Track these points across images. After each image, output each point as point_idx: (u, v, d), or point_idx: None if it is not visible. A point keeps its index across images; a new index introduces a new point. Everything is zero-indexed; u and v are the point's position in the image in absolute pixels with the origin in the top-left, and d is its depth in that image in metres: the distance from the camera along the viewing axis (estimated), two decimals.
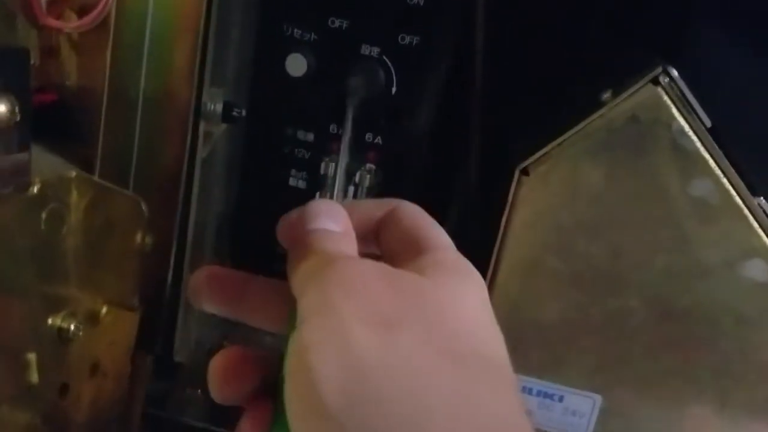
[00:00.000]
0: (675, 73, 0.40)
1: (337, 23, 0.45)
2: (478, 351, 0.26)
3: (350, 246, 0.29)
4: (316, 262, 0.27)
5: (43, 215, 0.31)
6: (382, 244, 0.31)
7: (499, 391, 0.25)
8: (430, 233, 0.30)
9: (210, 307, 0.33)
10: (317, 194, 0.48)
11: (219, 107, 0.39)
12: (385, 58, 0.45)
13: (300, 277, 0.27)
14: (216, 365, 0.30)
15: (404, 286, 0.26)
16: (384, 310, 0.25)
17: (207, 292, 0.32)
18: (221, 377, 0.30)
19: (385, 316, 0.25)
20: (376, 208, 0.32)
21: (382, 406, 0.23)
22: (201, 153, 0.38)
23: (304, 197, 0.44)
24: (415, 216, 0.31)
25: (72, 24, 0.32)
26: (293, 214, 0.31)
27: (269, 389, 0.29)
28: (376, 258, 0.29)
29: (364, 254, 0.29)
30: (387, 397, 0.23)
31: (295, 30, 0.45)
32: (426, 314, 0.25)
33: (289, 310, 0.28)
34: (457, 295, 0.27)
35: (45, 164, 0.32)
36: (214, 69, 0.37)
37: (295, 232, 0.29)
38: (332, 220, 0.29)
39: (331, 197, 0.46)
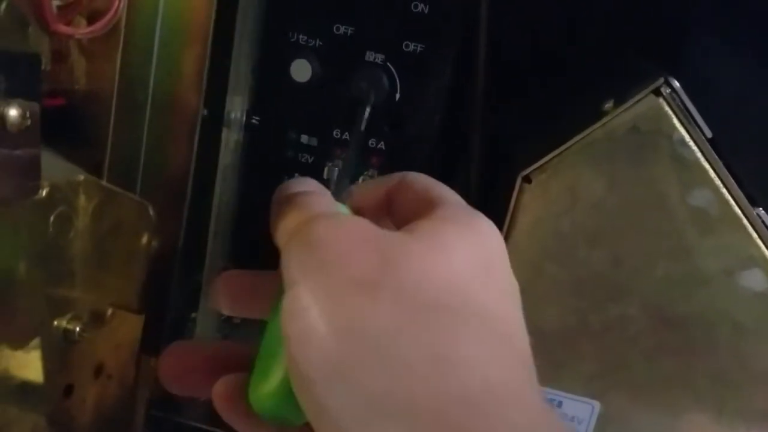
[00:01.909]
0: (676, 84, 0.40)
1: (342, 30, 0.45)
2: (467, 304, 0.25)
3: (325, 202, 0.29)
4: (295, 220, 0.27)
5: (52, 218, 0.32)
6: (395, 215, 0.31)
7: (485, 343, 0.24)
8: (440, 192, 0.29)
9: (228, 311, 0.33)
10: None
11: (241, 115, 0.40)
12: (389, 64, 0.45)
13: (281, 238, 0.27)
14: (161, 364, 0.31)
15: (385, 245, 0.25)
16: (366, 270, 0.24)
17: (224, 296, 0.32)
18: (166, 375, 0.31)
19: (368, 276, 0.24)
20: (384, 182, 0.31)
21: (370, 369, 0.23)
22: (224, 160, 0.38)
23: None
24: (425, 179, 0.30)
25: (83, 30, 0.32)
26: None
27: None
28: None
29: None
30: (372, 359, 0.23)
31: (301, 36, 0.46)
32: (409, 272, 0.25)
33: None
34: (447, 249, 0.26)
35: (54, 168, 0.32)
36: (235, 77, 0.38)
37: (274, 200, 0.29)
38: (304, 186, 0.29)
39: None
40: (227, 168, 0.43)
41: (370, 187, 0.32)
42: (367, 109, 0.44)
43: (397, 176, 0.31)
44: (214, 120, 0.39)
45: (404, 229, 0.27)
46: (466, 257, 0.26)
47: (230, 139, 0.42)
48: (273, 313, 0.28)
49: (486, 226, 0.28)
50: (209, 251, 0.45)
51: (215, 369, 0.30)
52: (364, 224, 0.26)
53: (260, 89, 0.47)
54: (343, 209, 0.29)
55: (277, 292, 0.27)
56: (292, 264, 0.25)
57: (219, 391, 0.29)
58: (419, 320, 0.24)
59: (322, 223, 0.26)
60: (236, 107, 0.40)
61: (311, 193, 0.28)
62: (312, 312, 0.24)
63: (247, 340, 0.44)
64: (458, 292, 0.25)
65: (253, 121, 0.41)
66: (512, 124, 0.46)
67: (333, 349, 0.23)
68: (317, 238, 0.25)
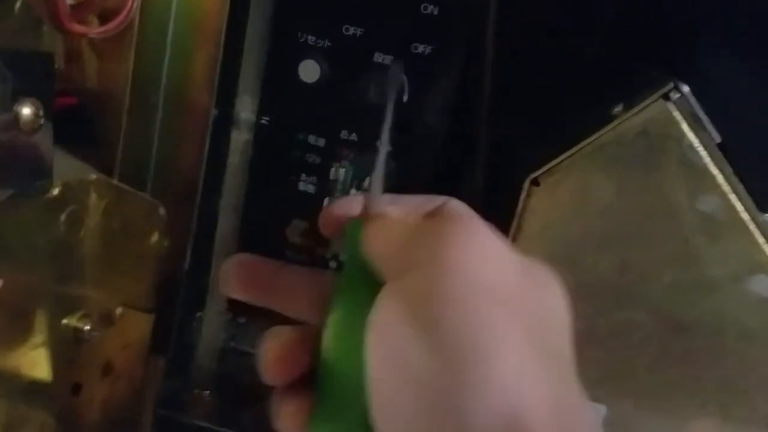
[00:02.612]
0: (686, 89, 0.40)
1: (351, 31, 0.45)
2: (568, 350, 0.25)
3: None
4: (421, 225, 0.27)
5: (63, 217, 0.32)
6: None
7: (581, 395, 0.25)
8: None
9: (239, 294, 0.33)
10: (326, 199, 0.48)
11: (251, 116, 0.40)
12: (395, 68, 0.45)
13: (398, 243, 0.26)
14: (270, 346, 0.29)
15: (523, 266, 0.26)
16: (509, 286, 0.24)
17: (236, 278, 0.32)
18: (275, 359, 0.29)
19: (509, 293, 0.24)
20: (425, 203, 0.31)
21: (478, 390, 0.22)
22: (233, 159, 0.38)
23: (313, 201, 0.45)
24: (464, 210, 0.31)
25: (96, 30, 0.32)
26: (336, 205, 0.32)
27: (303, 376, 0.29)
28: None
29: None
30: (485, 379, 0.22)
31: (310, 37, 0.46)
32: (538, 301, 0.25)
33: (330, 295, 0.28)
34: (555, 288, 0.27)
35: (66, 166, 0.32)
36: (245, 78, 0.38)
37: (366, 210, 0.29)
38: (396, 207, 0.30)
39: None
40: (235, 168, 0.43)
41: (410, 204, 0.31)
42: (392, 89, 0.43)
43: (439, 200, 0.31)
44: (225, 120, 0.39)
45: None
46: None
47: (240, 139, 0.42)
48: (339, 328, 0.27)
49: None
50: (216, 251, 0.45)
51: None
52: (501, 239, 0.26)
53: (269, 89, 0.47)
54: None
55: (334, 303, 0.27)
56: (422, 258, 0.25)
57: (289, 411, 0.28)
58: (545, 363, 0.24)
59: (468, 225, 0.26)
60: (246, 107, 0.40)
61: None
62: (439, 314, 0.23)
63: (253, 341, 0.44)
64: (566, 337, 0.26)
65: (263, 121, 0.41)
66: (520, 126, 0.46)
67: (454, 358, 0.22)
68: (466, 238, 0.25)
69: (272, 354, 0.29)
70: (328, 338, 0.27)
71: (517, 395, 0.22)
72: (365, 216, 0.29)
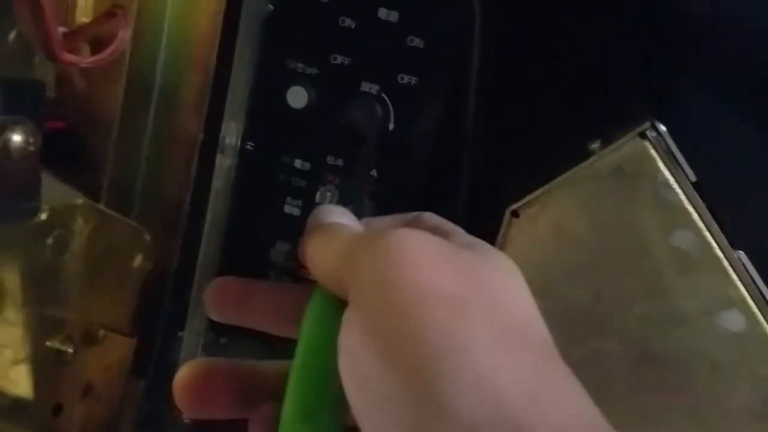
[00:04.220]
0: (662, 127, 0.41)
1: (339, 60, 0.46)
2: (537, 330, 0.26)
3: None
4: (357, 240, 0.26)
5: (49, 241, 0.32)
6: None
7: (565, 375, 0.25)
8: (452, 228, 0.30)
9: (220, 317, 0.33)
10: None
11: (236, 141, 0.40)
12: (384, 95, 0.46)
13: (336, 257, 0.26)
14: (180, 382, 0.30)
15: (462, 261, 0.25)
16: (448, 286, 0.24)
17: (214, 302, 0.33)
18: (188, 394, 0.30)
19: (450, 291, 0.24)
20: (399, 219, 0.32)
21: (455, 389, 0.22)
22: (216, 184, 0.39)
23: (297, 224, 0.45)
24: (437, 218, 0.32)
25: (87, 60, 0.33)
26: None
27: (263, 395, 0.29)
28: None
29: None
30: (457, 378, 0.22)
31: (298, 64, 0.46)
32: (487, 291, 0.24)
33: (303, 308, 0.28)
34: (512, 276, 0.27)
35: (53, 191, 0.33)
36: (231, 104, 0.38)
37: (310, 228, 0.30)
38: (346, 217, 0.30)
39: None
40: (218, 192, 0.43)
41: (386, 222, 0.32)
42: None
43: (412, 215, 0.32)
44: (211, 145, 0.40)
45: (465, 245, 0.27)
46: (522, 284, 0.27)
47: (224, 164, 0.43)
48: (309, 335, 0.27)
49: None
50: (198, 271, 0.46)
51: (237, 390, 0.30)
52: (438, 239, 0.26)
53: (256, 114, 0.48)
54: None
55: (307, 313, 0.28)
56: (362, 277, 0.24)
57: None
58: (512, 347, 0.23)
59: (400, 234, 0.25)
60: (231, 133, 0.41)
61: (346, 227, 0.29)
62: (391, 331, 0.23)
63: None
64: (526, 317, 0.26)
65: (248, 146, 0.42)
66: (501, 157, 0.47)
67: (416, 363, 0.22)
68: (397, 250, 0.24)
69: (181, 384, 0.30)
70: (301, 353, 0.27)
71: (494, 387, 0.22)
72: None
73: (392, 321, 0.23)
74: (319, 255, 0.28)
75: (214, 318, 0.34)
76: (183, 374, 0.31)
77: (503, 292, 0.25)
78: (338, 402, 0.25)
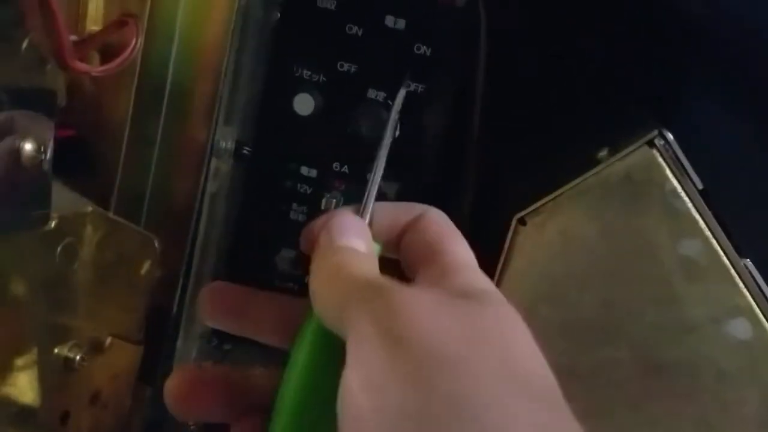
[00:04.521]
0: (670, 136, 0.41)
1: (345, 67, 0.46)
2: (544, 379, 0.25)
3: (375, 267, 0.29)
4: (360, 288, 0.26)
5: (59, 249, 0.32)
6: (402, 251, 0.31)
7: (574, 427, 0.25)
8: (452, 248, 0.30)
9: (213, 322, 0.33)
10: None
11: (231, 145, 0.40)
12: (390, 102, 0.46)
13: (338, 301, 0.26)
14: (170, 387, 0.30)
15: (461, 313, 0.25)
16: (449, 343, 0.24)
17: (210, 307, 0.33)
18: (175, 398, 0.30)
19: (452, 350, 0.24)
20: (404, 213, 0.32)
21: None
22: (211, 188, 0.39)
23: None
24: (440, 227, 0.31)
25: (98, 68, 0.33)
26: (317, 224, 0.32)
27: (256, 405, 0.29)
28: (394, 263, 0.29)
29: (382, 258, 0.30)
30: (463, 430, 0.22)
31: (305, 71, 0.46)
32: (489, 346, 0.24)
33: (302, 324, 0.28)
34: (513, 323, 0.27)
35: (63, 199, 0.33)
36: (228, 108, 0.38)
37: (320, 246, 0.29)
38: (360, 239, 0.29)
39: None
40: (214, 197, 0.43)
41: (391, 212, 0.32)
42: (402, 92, 0.43)
43: (419, 209, 0.32)
44: (219, 151, 0.40)
45: (462, 294, 0.27)
46: (525, 329, 0.27)
47: (220, 168, 0.42)
48: (303, 364, 0.27)
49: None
50: (192, 275, 0.46)
51: (226, 396, 0.30)
52: (437, 293, 0.26)
53: (263, 120, 0.48)
54: (377, 248, 0.30)
55: (301, 339, 0.27)
56: (363, 329, 0.24)
57: None
58: (520, 404, 0.23)
59: (397, 296, 0.25)
60: (227, 137, 0.40)
61: (357, 254, 0.28)
62: (389, 391, 0.23)
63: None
64: (534, 365, 0.26)
65: (244, 151, 0.42)
66: (508, 165, 0.47)
67: (424, 420, 0.22)
68: (397, 311, 0.24)
69: (169, 388, 0.30)
70: (294, 381, 0.27)
71: None
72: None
73: (396, 384, 0.23)
74: (323, 292, 0.27)
75: (207, 323, 0.34)
76: (172, 379, 0.31)
77: (507, 344, 0.25)
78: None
